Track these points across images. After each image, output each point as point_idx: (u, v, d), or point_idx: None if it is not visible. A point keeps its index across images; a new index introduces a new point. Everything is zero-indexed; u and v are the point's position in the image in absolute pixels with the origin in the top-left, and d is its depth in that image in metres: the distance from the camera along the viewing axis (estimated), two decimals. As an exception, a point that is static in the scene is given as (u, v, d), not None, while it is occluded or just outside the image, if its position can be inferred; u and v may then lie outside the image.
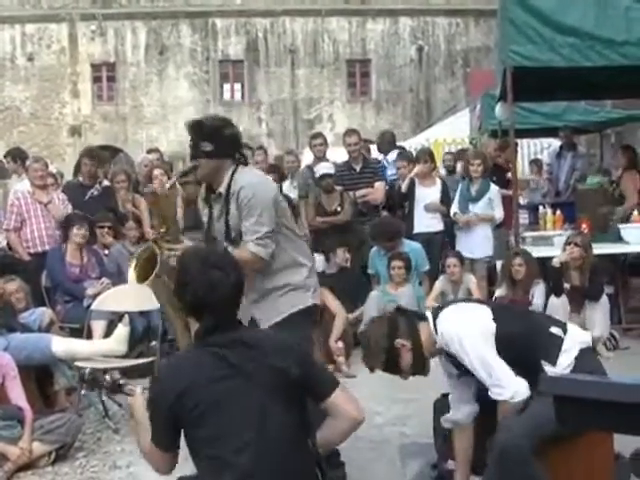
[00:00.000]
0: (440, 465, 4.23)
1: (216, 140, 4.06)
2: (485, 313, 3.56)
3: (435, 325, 3.62)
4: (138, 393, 3.09)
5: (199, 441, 2.76)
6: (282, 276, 4.13)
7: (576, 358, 3.46)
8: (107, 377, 3.17)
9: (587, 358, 3.51)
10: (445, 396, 4.20)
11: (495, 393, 3.45)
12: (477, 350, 3.45)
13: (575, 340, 3.53)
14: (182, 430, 2.81)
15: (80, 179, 8.90)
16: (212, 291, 2.84)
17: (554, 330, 3.56)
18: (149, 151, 10.61)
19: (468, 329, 3.49)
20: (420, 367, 3.75)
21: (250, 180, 4.04)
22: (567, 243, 7.09)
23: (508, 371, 3.43)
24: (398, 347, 3.64)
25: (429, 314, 3.73)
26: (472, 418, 3.80)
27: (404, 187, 8.91)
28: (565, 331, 3.57)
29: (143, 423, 2.96)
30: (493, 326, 3.49)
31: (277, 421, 2.75)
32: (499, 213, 8.62)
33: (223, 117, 4.57)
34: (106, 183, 8.65)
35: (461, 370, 3.64)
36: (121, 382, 3.21)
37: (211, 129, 4.10)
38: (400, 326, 3.68)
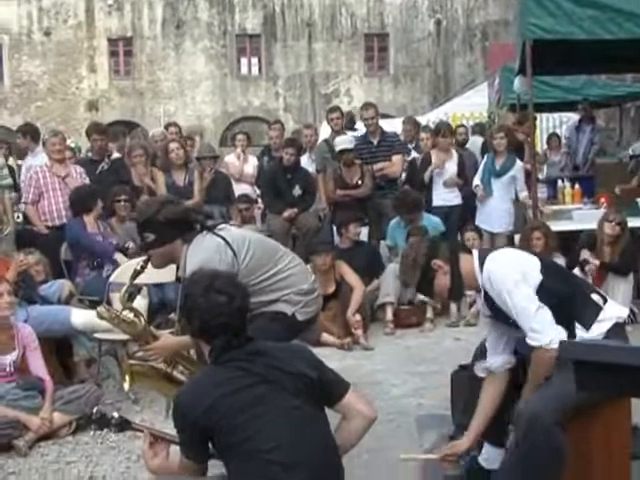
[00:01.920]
0: (457, 437, 4.24)
1: (155, 228, 4.04)
2: (535, 263, 3.52)
3: (482, 264, 3.55)
4: (146, 437, 3.11)
5: (231, 446, 2.83)
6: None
7: (608, 330, 3.43)
8: (115, 414, 3.20)
9: (619, 333, 3.47)
10: (463, 367, 4.20)
11: (532, 338, 3.38)
12: (519, 294, 3.39)
13: (612, 313, 3.50)
14: (211, 441, 2.88)
15: (89, 154, 8.95)
16: (217, 316, 2.93)
17: (595, 297, 3.54)
18: (167, 126, 10.59)
19: (515, 272, 3.44)
20: (455, 294, 3.76)
21: (193, 268, 3.73)
22: (607, 220, 7.02)
23: (548, 317, 3.38)
24: (435, 268, 3.60)
25: (475, 252, 3.69)
26: (504, 369, 3.73)
27: (427, 178, 8.83)
28: (605, 302, 3.55)
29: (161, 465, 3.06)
30: (539, 277, 3.45)
31: (306, 419, 2.86)
32: (520, 187, 8.47)
33: (160, 199, 4.63)
34: (116, 155, 8.67)
35: (493, 312, 3.60)
36: (129, 419, 3.25)
37: (146, 219, 4.08)
38: (441, 249, 3.66)
